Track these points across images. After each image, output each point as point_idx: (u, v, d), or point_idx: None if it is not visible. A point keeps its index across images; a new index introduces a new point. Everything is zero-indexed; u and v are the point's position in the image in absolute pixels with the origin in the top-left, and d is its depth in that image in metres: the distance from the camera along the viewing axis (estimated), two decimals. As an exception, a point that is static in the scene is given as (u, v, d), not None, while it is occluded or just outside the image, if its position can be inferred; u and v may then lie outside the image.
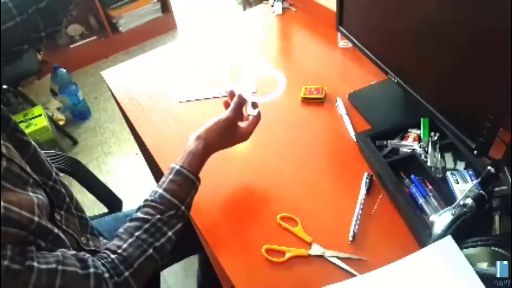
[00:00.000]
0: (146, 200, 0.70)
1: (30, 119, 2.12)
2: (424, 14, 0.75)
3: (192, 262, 1.57)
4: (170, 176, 0.72)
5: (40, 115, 2.14)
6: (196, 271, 1.40)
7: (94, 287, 0.57)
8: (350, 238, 0.73)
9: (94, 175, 1.30)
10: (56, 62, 2.34)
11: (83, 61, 2.84)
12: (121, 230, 0.67)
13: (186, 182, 0.72)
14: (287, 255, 0.72)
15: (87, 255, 0.61)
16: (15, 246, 0.50)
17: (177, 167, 0.73)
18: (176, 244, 0.70)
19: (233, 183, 0.86)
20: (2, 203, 0.49)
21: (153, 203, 0.69)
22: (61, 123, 2.38)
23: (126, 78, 1.23)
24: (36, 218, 0.54)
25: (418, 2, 0.75)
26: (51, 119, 2.25)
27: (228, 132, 0.79)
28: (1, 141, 0.57)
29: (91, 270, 0.58)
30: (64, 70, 2.30)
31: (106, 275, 0.60)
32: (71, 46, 2.77)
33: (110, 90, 1.22)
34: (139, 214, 0.68)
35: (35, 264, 0.51)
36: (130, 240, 0.65)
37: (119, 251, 0.63)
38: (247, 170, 0.89)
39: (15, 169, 0.57)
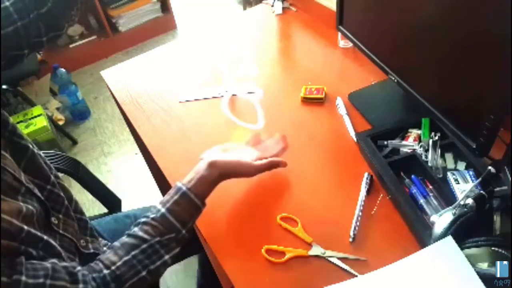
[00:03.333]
0: (147, 217, 0.67)
1: (30, 119, 2.12)
2: (424, 13, 0.74)
3: (192, 262, 1.56)
4: (175, 197, 0.68)
5: (39, 115, 2.14)
6: (196, 271, 1.40)
7: None
8: (350, 239, 0.73)
9: (94, 175, 1.30)
10: (55, 62, 2.34)
11: (82, 61, 2.84)
12: (117, 244, 0.65)
13: (190, 206, 0.69)
14: (287, 256, 0.72)
15: (78, 268, 0.59)
16: (5, 258, 0.49)
17: (184, 188, 0.69)
18: None
19: (233, 184, 0.86)
20: None
21: (155, 223, 0.66)
22: (60, 123, 2.38)
23: (126, 78, 1.23)
24: (25, 227, 0.54)
25: (419, 1, 0.75)
26: (50, 119, 2.25)
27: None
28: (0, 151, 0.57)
29: (80, 285, 0.57)
30: (64, 70, 2.29)
31: None
32: (71, 46, 2.77)
33: (110, 90, 1.21)
34: (139, 232, 0.65)
35: (23, 278, 0.50)
36: (125, 258, 0.62)
37: (113, 268, 0.61)
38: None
39: (7, 178, 0.57)
